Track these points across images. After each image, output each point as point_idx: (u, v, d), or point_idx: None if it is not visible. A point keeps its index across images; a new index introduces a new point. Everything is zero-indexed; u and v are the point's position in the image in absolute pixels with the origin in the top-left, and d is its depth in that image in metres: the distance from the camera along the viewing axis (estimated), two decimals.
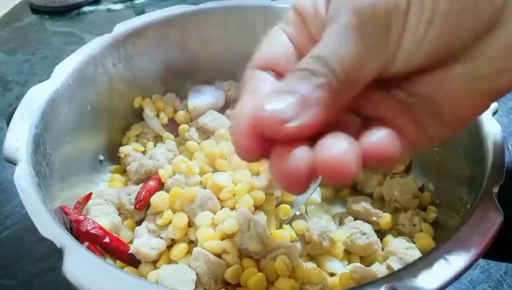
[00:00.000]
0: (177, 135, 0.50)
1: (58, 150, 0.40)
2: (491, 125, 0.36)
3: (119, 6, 0.90)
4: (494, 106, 0.38)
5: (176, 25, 0.50)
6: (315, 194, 0.44)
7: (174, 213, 0.39)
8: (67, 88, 0.41)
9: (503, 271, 0.43)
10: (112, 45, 0.46)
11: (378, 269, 0.36)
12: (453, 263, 0.27)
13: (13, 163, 0.33)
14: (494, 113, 0.37)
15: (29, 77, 0.71)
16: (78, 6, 0.88)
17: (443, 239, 0.29)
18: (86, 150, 0.46)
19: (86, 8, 0.89)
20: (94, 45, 0.45)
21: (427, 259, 0.28)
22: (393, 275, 0.27)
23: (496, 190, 0.32)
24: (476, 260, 0.27)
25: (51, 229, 0.29)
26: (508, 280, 0.43)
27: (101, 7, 0.90)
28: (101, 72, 0.46)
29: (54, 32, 0.82)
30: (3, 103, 0.66)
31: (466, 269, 0.27)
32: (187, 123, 0.50)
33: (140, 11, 0.88)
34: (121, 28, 0.48)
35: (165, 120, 0.50)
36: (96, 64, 0.45)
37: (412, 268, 0.27)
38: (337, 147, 0.20)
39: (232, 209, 0.39)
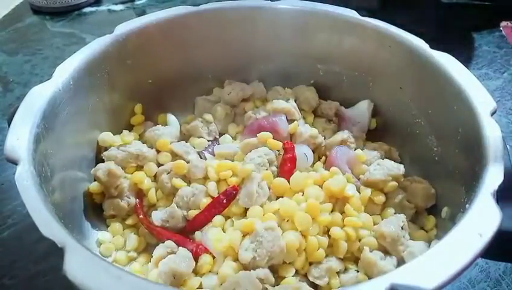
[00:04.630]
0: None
1: (59, 150, 0.40)
2: (489, 125, 0.36)
3: (119, 7, 0.90)
4: (492, 106, 0.38)
5: (177, 25, 0.51)
6: None
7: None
8: (68, 89, 0.41)
9: (502, 271, 0.44)
10: (112, 45, 0.47)
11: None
12: (452, 262, 0.27)
13: (14, 163, 0.34)
14: (492, 114, 0.37)
15: (30, 78, 0.71)
16: (79, 7, 0.89)
17: (442, 239, 0.29)
18: (86, 150, 0.46)
19: (87, 9, 0.89)
20: (95, 46, 0.45)
21: (426, 258, 0.28)
22: (393, 274, 0.27)
23: (494, 189, 0.32)
24: (475, 259, 0.28)
25: (52, 229, 0.29)
26: (506, 279, 0.43)
27: (102, 8, 0.90)
28: (102, 73, 0.46)
29: (55, 33, 0.82)
30: (5, 103, 0.66)
31: (465, 268, 0.27)
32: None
33: (141, 11, 0.88)
34: (122, 28, 0.48)
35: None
36: (97, 65, 0.45)
37: (412, 267, 0.27)
38: None
39: None
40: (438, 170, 0.44)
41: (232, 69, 0.55)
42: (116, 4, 0.91)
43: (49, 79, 0.41)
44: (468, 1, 0.86)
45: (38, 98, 0.39)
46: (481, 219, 0.30)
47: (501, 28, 0.78)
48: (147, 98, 0.52)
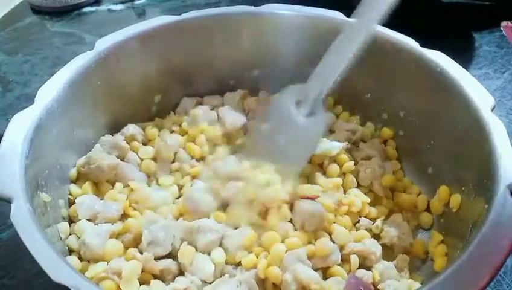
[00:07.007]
0: None
1: (50, 178, 0.39)
2: (492, 120, 0.36)
3: (119, 6, 0.90)
4: (491, 101, 0.38)
5: (159, 37, 0.49)
6: None
7: None
8: (53, 112, 0.40)
9: (502, 271, 0.43)
10: (95, 62, 0.45)
11: None
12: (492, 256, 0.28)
13: (8, 201, 0.32)
14: (492, 109, 0.37)
15: (29, 77, 0.71)
16: (78, 6, 0.88)
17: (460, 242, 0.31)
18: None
19: (87, 9, 0.89)
20: (77, 64, 0.44)
21: (468, 259, 0.29)
22: (439, 276, 0.28)
23: (510, 184, 0.32)
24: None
25: (63, 273, 0.28)
26: (507, 279, 0.43)
27: (102, 8, 0.90)
28: (86, 92, 0.45)
29: (55, 33, 0.82)
30: (4, 103, 0.66)
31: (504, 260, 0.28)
32: None
33: (140, 11, 0.88)
34: (103, 44, 0.46)
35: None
36: (80, 84, 0.44)
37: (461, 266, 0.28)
38: None
39: None
40: (438, 171, 0.44)
41: (219, 79, 0.54)
42: (116, 4, 0.90)
43: (48, 79, 0.40)
44: (468, 1, 0.86)
45: (23, 126, 0.37)
46: (504, 216, 0.30)
47: (501, 28, 0.78)
48: (133, 113, 0.51)
